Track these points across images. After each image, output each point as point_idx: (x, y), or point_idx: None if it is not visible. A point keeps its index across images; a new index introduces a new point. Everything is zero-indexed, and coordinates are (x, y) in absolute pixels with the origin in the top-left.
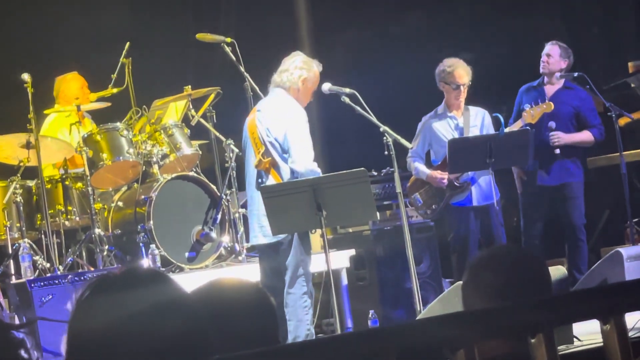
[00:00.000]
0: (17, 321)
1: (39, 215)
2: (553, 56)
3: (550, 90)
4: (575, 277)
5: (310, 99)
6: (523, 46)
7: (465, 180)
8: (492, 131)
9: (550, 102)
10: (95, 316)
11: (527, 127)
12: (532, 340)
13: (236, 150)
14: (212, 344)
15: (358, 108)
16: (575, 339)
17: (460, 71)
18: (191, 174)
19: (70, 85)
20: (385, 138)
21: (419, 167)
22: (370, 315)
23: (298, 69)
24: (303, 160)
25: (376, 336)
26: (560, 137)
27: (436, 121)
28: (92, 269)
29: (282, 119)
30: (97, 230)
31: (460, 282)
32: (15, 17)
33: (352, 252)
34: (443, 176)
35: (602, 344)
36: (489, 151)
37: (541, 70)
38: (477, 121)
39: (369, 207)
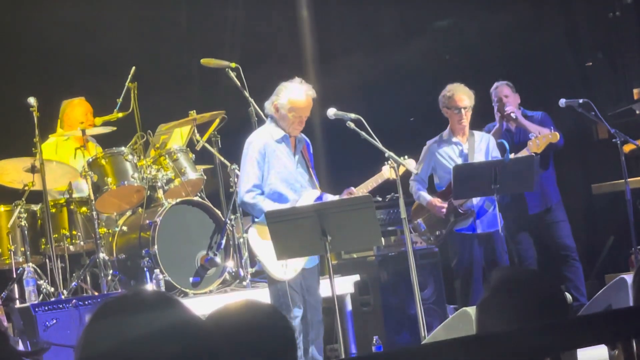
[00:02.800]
0: (21, 345)
1: (43, 240)
2: (509, 95)
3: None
4: (578, 299)
5: (296, 125)
6: (528, 72)
7: (469, 208)
8: (497, 155)
9: (556, 132)
10: (104, 339)
11: (532, 154)
12: None
13: None
14: None
15: (363, 133)
16: None
17: (461, 95)
18: (196, 198)
19: (76, 110)
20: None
21: (421, 193)
22: (374, 341)
23: (273, 95)
24: (239, 194)
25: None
26: (516, 113)
27: (441, 147)
28: (97, 293)
29: None
30: (101, 255)
31: (465, 309)
32: (22, 41)
33: (357, 277)
34: (442, 205)
35: None
36: (494, 177)
37: (509, 112)
38: (482, 146)
39: (373, 232)
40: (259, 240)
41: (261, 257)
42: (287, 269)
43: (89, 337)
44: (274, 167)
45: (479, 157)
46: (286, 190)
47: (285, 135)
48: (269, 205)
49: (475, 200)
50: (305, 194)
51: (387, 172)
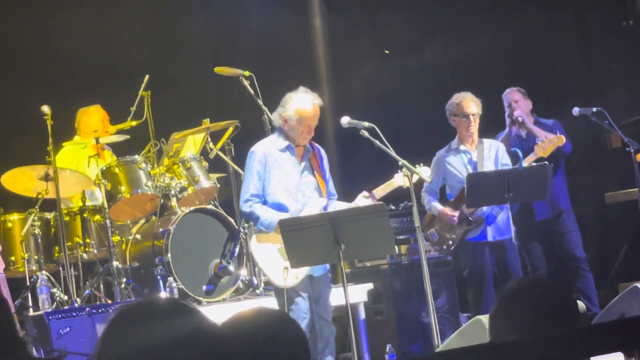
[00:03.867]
0: (34, 353)
1: (57, 248)
2: (519, 100)
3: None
4: (590, 309)
5: (305, 135)
6: (541, 80)
7: (480, 216)
8: (507, 162)
9: (562, 136)
10: (120, 347)
11: (545, 162)
12: None
13: None
14: None
15: (377, 142)
16: None
17: (468, 102)
18: (209, 207)
19: (91, 117)
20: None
21: (432, 203)
22: (387, 350)
23: (280, 107)
24: (240, 201)
25: None
26: (523, 117)
27: (449, 156)
28: (110, 301)
29: None
30: (115, 263)
31: (478, 317)
32: (35, 50)
33: (370, 286)
34: (454, 214)
35: None
36: (507, 185)
37: (516, 115)
38: (492, 154)
39: (387, 241)
40: (259, 248)
41: (261, 265)
42: (288, 276)
43: (105, 345)
44: (275, 176)
45: (488, 165)
46: (287, 199)
47: (290, 145)
48: (265, 213)
49: (485, 209)
50: (310, 203)
51: (399, 179)
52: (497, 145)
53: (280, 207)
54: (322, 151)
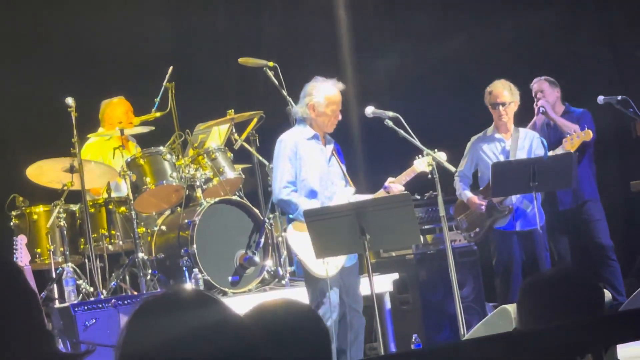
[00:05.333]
0: (60, 345)
1: (82, 240)
2: (545, 90)
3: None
4: (616, 298)
5: (333, 120)
6: (566, 70)
7: (507, 205)
8: (540, 154)
9: (589, 131)
10: (145, 338)
11: (570, 151)
12: None
13: None
14: None
15: (401, 131)
16: None
17: (499, 91)
18: (234, 197)
19: (115, 109)
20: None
21: (462, 191)
22: (413, 339)
23: (304, 97)
24: (274, 191)
25: (424, 357)
26: (545, 107)
27: (484, 143)
28: (136, 293)
29: None
30: (140, 255)
31: (504, 306)
32: (60, 42)
33: (396, 276)
34: (482, 202)
35: None
36: (532, 174)
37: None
38: (526, 144)
39: (412, 231)
40: (298, 238)
41: (301, 255)
42: (329, 266)
43: (129, 336)
44: (306, 163)
45: (520, 155)
46: (319, 186)
47: (316, 134)
48: (304, 203)
49: (514, 199)
50: (340, 191)
51: (419, 165)
52: (532, 135)
53: (312, 194)
54: (338, 145)
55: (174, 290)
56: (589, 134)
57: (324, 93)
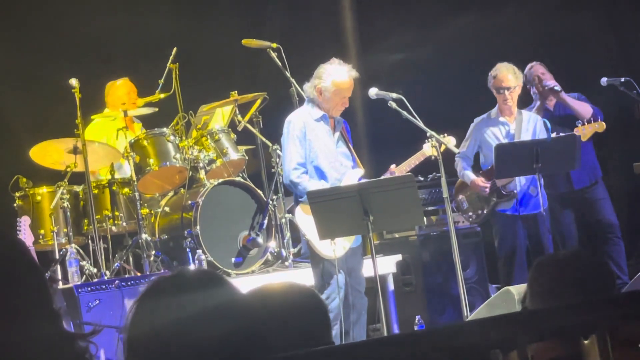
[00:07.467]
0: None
1: (85, 221)
2: (546, 73)
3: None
4: (620, 277)
5: (340, 107)
6: (572, 49)
7: (512, 190)
8: (544, 137)
9: (603, 123)
10: (153, 318)
11: (574, 133)
12: (585, 342)
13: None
14: (270, 344)
15: (405, 113)
16: None
17: (503, 75)
18: (238, 179)
19: (118, 90)
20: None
21: (465, 172)
22: (416, 321)
23: (314, 78)
24: (285, 173)
25: (428, 337)
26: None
27: (487, 126)
28: (139, 274)
29: None
30: (144, 236)
31: (507, 287)
32: (63, 23)
33: (399, 257)
34: (486, 185)
35: None
36: (535, 156)
37: (552, 85)
38: (530, 127)
39: (416, 212)
40: (306, 219)
41: (309, 236)
42: (337, 247)
43: (136, 317)
44: (314, 144)
45: (525, 138)
46: (328, 167)
47: (324, 115)
48: (313, 186)
49: (520, 185)
50: (348, 172)
51: (428, 149)
52: (536, 118)
53: (322, 175)
54: (347, 123)
55: (180, 270)
56: (602, 126)
57: (332, 78)
